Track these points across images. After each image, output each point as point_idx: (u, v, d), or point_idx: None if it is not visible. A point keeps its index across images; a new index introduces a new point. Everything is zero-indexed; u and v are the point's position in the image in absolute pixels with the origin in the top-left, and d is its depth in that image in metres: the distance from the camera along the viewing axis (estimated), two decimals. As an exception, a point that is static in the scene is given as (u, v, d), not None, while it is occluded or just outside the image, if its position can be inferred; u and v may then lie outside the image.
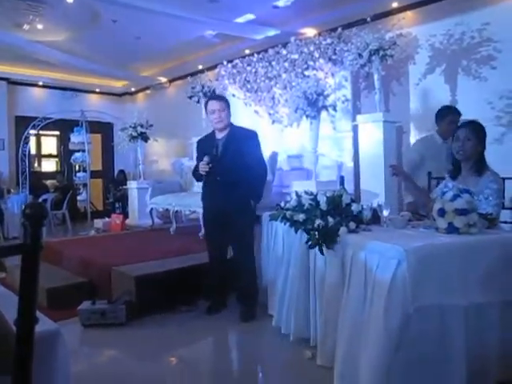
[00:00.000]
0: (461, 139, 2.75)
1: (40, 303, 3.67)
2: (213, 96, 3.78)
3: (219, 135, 3.56)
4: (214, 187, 3.46)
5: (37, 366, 0.94)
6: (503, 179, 3.58)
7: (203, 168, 3.39)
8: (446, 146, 3.72)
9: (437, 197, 2.83)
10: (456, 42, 5.23)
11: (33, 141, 9.80)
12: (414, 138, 5.67)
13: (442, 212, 2.26)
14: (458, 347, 2.03)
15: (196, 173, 3.61)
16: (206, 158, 3.39)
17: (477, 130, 2.80)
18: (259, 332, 3.21)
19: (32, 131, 8.84)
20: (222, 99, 3.63)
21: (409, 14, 5.66)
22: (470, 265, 2.08)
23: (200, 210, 5.18)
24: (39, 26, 6.74)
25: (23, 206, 0.88)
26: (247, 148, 3.47)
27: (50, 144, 10.85)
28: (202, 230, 5.17)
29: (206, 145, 3.62)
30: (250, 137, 3.56)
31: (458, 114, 3.87)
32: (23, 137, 8.51)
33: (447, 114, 3.87)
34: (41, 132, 9.75)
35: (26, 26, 6.53)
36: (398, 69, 5.69)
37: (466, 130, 2.77)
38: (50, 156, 10.86)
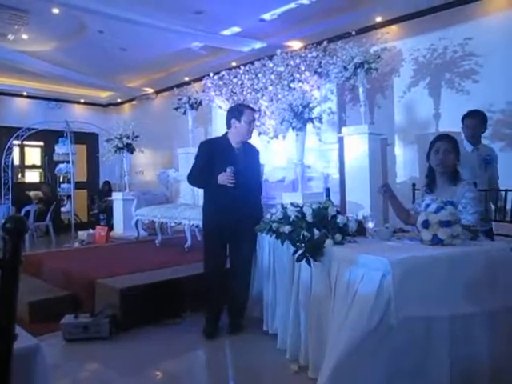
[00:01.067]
0: (441, 152, 2.77)
1: (22, 317, 3.60)
2: (249, 106, 3.58)
3: (235, 145, 3.39)
4: (227, 199, 3.27)
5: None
6: (486, 191, 3.64)
7: (230, 180, 3.19)
8: (476, 153, 3.63)
9: (414, 210, 2.90)
10: (439, 56, 5.33)
11: (16, 151, 9.67)
12: (398, 150, 5.74)
13: (426, 224, 2.28)
14: (443, 359, 2.03)
15: (207, 179, 3.33)
16: (229, 169, 3.20)
17: (455, 143, 2.82)
18: (245, 345, 3.17)
19: (15, 142, 8.73)
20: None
21: (393, 28, 5.76)
22: (454, 276, 2.10)
23: (185, 222, 5.18)
24: (24, 36, 6.70)
25: (3, 220, 0.86)
26: (255, 164, 3.49)
27: (33, 155, 10.71)
28: (188, 242, 5.17)
29: (220, 150, 3.35)
30: (257, 153, 3.54)
31: (474, 117, 3.69)
32: (6, 147, 8.39)
33: (463, 118, 3.74)
34: (24, 142, 9.63)
35: (10, 36, 6.48)
36: (383, 82, 5.77)
37: (447, 143, 2.79)
38: (33, 167, 10.72)
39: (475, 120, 3.69)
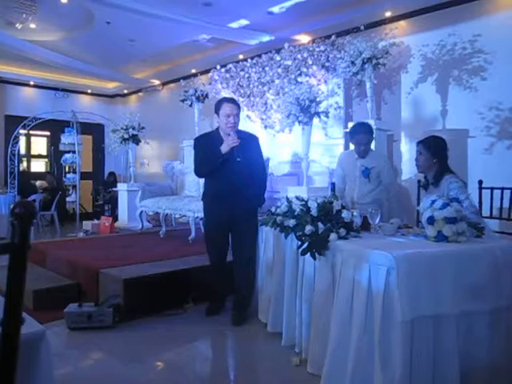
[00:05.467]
0: (416, 154, 3.08)
1: (26, 305, 3.62)
2: (229, 99, 3.51)
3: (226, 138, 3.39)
4: (226, 187, 3.32)
5: (20, 368, 0.92)
6: (491, 189, 3.64)
7: (235, 140, 3.21)
8: (359, 163, 3.74)
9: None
10: (448, 53, 5.29)
11: (22, 141, 9.72)
12: (404, 146, 5.72)
13: (431, 220, 2.28)
14: (451, 358, 2.02)
15: (208, 165, 3.35)
16: (232, 134, 3.25)
17: (427, 145, 3.04)
18: (247, 337, 3.19)
19: (22, 131, 8.76)
20: (238, 103, 3.49)
21: (402, 23, 5.72)
22: (459, 273, 2.09)
23: (190, 214, 5.19)
24: (32, 26, 6.70)
25: (12, 205, 0.87)
26: (253, 152, 3.44)
27: (39, 144, 10.76)
28: (192, 234, 5.18)
29: (213, 144, 3.36)
30: (254, 141, 3.50)
31: (364, 132, 3.73)
32: (13, 136, 8.42)
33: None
34: (31, 132, 9.67)
35: (18, 25, 6.48)
36: (390, 77, 5.74)
37: (419, 145, 3.09)
38: (39, 156, 10.77)
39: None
